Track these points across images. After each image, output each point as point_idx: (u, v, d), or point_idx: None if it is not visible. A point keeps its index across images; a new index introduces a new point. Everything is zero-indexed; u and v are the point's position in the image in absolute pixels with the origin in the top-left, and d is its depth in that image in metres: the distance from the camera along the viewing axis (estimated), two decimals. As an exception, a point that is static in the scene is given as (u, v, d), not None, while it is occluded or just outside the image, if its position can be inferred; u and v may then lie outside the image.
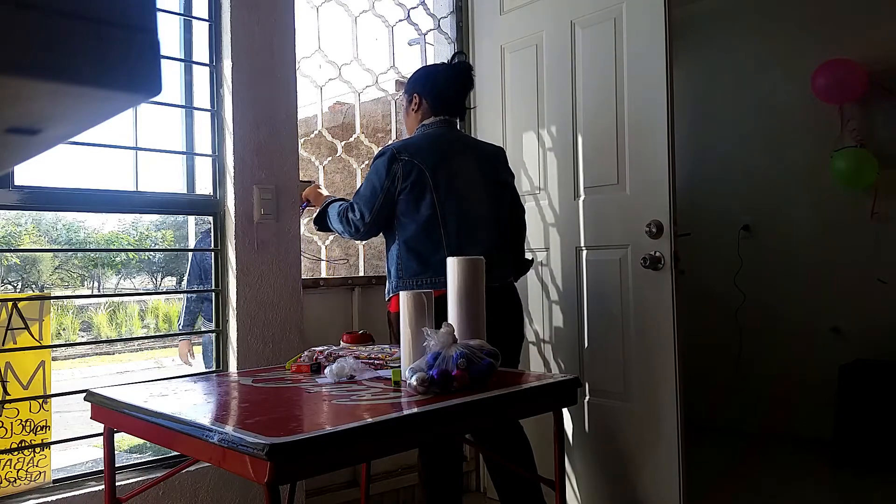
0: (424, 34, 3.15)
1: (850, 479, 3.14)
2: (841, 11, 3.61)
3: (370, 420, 1.25)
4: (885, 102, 3.51)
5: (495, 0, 2.90)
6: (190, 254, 3.20)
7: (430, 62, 3.23)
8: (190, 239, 3.50)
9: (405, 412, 1.33)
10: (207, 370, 2.62)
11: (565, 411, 2.53)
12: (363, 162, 3.01)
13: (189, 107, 2.33)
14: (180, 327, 3.35)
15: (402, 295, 1.65)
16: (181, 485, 2.08)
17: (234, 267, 2.29)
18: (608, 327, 2.51)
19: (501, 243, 2.22)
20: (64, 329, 8.65)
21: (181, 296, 3.80)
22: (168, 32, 2.31)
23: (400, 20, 3.02)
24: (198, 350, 3.40)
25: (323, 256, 2.90)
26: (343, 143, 2.96)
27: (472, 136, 3.01)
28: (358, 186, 2.29)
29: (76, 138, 1.53)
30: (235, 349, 2.28)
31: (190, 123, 2.32)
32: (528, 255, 2.48)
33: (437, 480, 2.17)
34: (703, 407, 3.75)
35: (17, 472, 1.92)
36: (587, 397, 2.57)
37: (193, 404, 1.51)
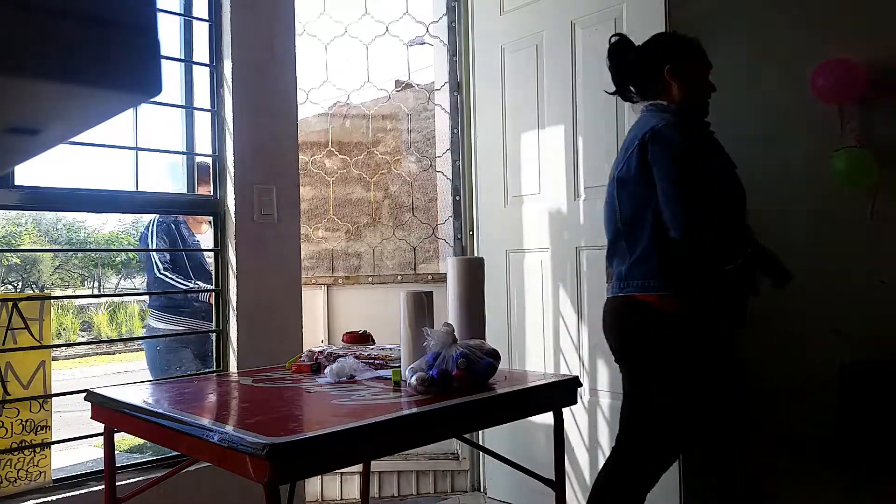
0: (409, 44, 3.20)
1: (850, 480, 3.14)
2: (841, 11, 3.61)
3: (370, 420, 1.25)
4: (885, 102, 3.51)
5: (495, 0, 2.90)
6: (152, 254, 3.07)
7: (430, 63, 3.25)
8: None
9: (405, 412, 1.33)
10: (208, 371, 2.61)
11: (565, 411, 2.53)
12: (334, 174, 3.11)
13: (189, 107, 2.32)
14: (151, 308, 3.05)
15: (402, 295, 1.65)
16: (181, 485, 2.08)
17: (234, 267, 2.29)
18: (608, 327, 2.50)
19: (618, 248, 1.99)
20: (64, 329, 8.65)
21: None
22: (168, 32, 2.31)
23: (378, 36, 3.06)
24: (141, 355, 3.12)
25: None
26: (312, 158, 3.06)
27: (473, 136, 3.01)
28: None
29: (76, 138, 1.53)
30: (235, 349, 2.28)
31: (190, 123, 2.32)
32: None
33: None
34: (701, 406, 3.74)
35: (17, 472, 1.92)
36: (587, 397, 2.57)
37: (193, 404, 1.51)
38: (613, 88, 2.20)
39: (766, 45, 3.88)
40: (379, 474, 2.97)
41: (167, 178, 2.61)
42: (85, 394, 1.62)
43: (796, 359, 3.73)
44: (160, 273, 2.94)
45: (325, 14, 3.20)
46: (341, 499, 2.93)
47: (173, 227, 2.91)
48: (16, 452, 1.91)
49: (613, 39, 2.10)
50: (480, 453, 2.93)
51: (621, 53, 2.09)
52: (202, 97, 2.34)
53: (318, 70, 3.12)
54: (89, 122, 0.43)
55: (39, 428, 1.96)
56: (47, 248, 11.18)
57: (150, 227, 2.91)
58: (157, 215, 2.81)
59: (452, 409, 1.37)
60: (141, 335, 9.50)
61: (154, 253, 2.91)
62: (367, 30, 3.10)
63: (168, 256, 2.94)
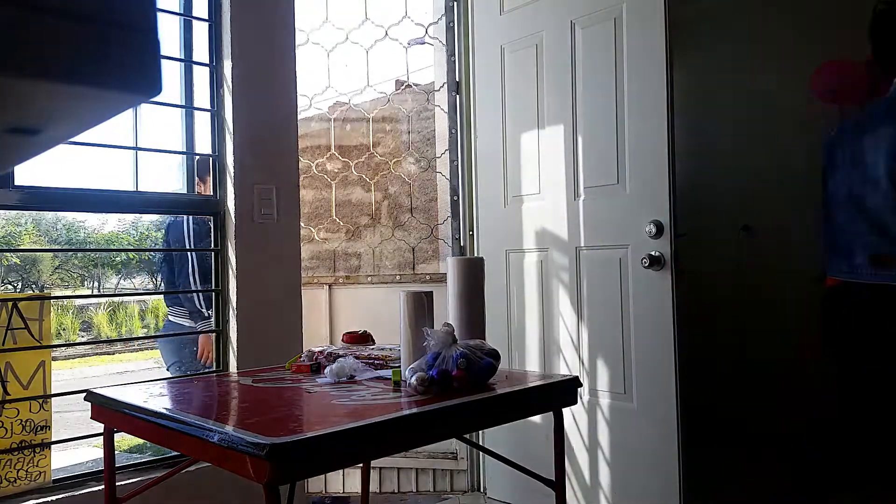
0: (408, 44, 3.22)
1: (850, 481, 3.14)
2: (841, 11, 3.61)
3: (370, 420, 1.25)
4: (884, 102, 3.51)
5: (495, 0, 2.90)
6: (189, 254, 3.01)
7: (430, 63, 3.26)
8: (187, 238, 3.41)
9: (405, 412, 1.33)
10: (210, 371, 2.61)
11: (565, 411, 2.53)
12: (336, 177, 3.14)
13: (189, 107, 2.33)
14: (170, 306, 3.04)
15: (402, 295, 1.65)
16: (181, 485, 2.08)
17: (234, 267, 2.29)
18: (608, 327, 2.51)
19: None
20: (64, 329, 8.65)
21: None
22: (168, 32, 2.31)
23: (378, 40, 3.09)
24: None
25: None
26: (315, 162, 3.08)
27: (473, 136, 3.01)
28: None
29: (76, 138, 1.53)
30: (235, 349, 2.28)
31: (190, 123, 2.32)
32: None
33: None
34: (702, 407, 3.75)
35: (17, 472, 1.92)
36: (587, 397, 2.57)
37: (193, 404, 1.51)
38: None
39: (767, 45, 3.88)
40: (380, 470, 3.00)
41: (167, 177, 2.61)
42: (85, 394, 1.62)
43: (796, 359, 3.73)
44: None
45: (328, 22, 3.24)
46: (344, 492, 2.97)
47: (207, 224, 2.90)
48: (16, 452, 1.91)
49: (880, 8, 2.03)
50: (480, 453, 2.94)
51: (887, 23, 2.03)
52: (202, 97, 2.34)
53: (321, 76, 3.18)
54: (89, 122, 0.43)
55: (39, 428, 1.96)
56: (47, 248, 11.19)
57: (186, 226, 2.88)
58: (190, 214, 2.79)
59: (452, 409, 1.37)
60: (141, 335, 9.50)
61: (192, 253, 2.90)
62: (368, 34, 3.15)
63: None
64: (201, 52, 2.34)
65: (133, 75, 0.36)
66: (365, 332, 2.10)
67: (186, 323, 2.97)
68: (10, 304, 1.93)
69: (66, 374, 7.11)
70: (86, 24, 0.34)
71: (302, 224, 2.65)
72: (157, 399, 1.52)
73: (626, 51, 2.44)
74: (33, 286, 8.71)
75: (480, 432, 2.84)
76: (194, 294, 2.90)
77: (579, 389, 1.71)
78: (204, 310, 2.90)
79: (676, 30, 2.41)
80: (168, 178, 2.59)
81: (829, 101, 3.57)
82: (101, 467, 1.73)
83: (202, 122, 2.34)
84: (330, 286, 3.13)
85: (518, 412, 1.71)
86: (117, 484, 1.66)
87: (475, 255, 2.95)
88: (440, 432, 1.46)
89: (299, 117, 2.76)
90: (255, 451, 1.10)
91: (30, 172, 1.95)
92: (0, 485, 1.88)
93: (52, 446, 2.00)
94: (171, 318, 3.02)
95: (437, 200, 3.37)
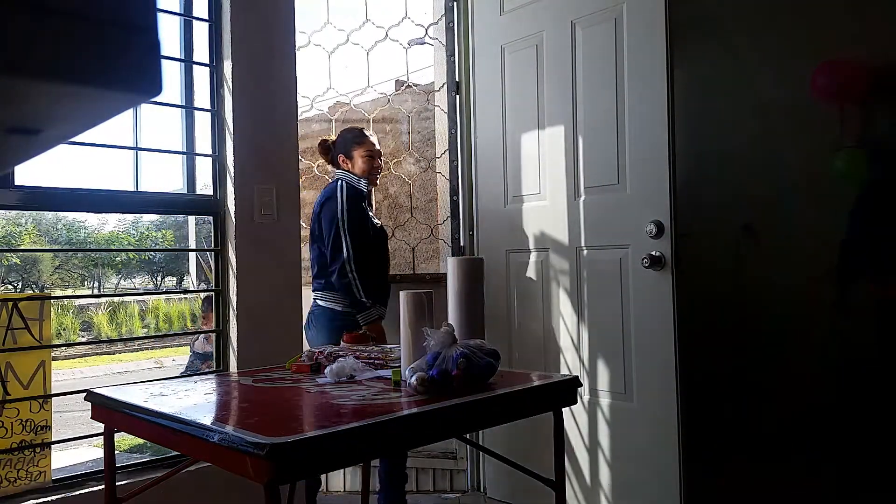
0: (409, 44, 3.23)
1: (850, 481, 3.14)
2: (841, 11, 3.61)
3: (370, 420, 1.25)
4: (885, 102, 3.51)
5: (495, 0, 2.90)
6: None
7: (430, 62, 3.26)
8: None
9: (405, 412, 1.33)
10: (209, 370, 2.61)
11: (565, 411, 2.53)
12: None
13: (189, 107, 2.33)
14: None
15: (402, 295, 1.65)
16: (181, 485, 2.07)
17: (234, 267, 2.29)
18: (608, 327, 2.51)
19: None
20: (64, 329, 8.65)
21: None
22: (168, 32, 2.32)
23: (378, 41, 3.10)
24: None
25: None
26: (316, 163, 3.11)
27: (473, 136, 3.01)
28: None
29: (76, 138, 1.53)
30: (235, 349, 2.28)
31: (190, 123, 2.32)
32: None
33: None
34: (703, 407, 3.74)
35: (17, 472, 1.92)
36: (587, 397, 2.57)
37: (193, 404, 1.51)
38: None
39: (767, 45, 3.88)
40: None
41: (167, 177, 2.61)
42: (85, 394, 1.62)
43: (796, 359, 3.73)
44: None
45: (329, 24, 3.25)
46: (345, 490, 2.97)
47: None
48: (16, 452, 1.91)
49: None
50: (480, 453, 2.94)
51: None
52: (202, 97, 2.34)
53: (322, 78, 3.19)
54: (89, 122, 0.43)
55: (39, 428, 1.96)
56: (47, 248, 11.19)
57: (340, 201, 2.58)
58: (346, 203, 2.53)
59: (452, 409, 1.37)
60: (141, 335, 9.50)
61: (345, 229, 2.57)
62: (368, 36, 3.16)
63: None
64: (201, 52, 2.34)
65: (133, 75, 0.36)
66: (365, 332, 2.10)
67: (338, 307, 2.62)
68: (10, 304, 1.93)
69: (66, 374, 7.12)
70: (86, 24, 0.34)
71: (302, 224, 2.64)
72: (157, 399, 1.52)
73: (626, 51, 2.44)
74: (33, 286, 8.71)
75: (480, 432, 2.84)
76: (351, 281, 2.54)
77: (579, 389, 1.71)
78: (366, 300, 2.61)
79: (676, 30, 2.41)
80: (168, 177, 2.60)
81: (829, 101, 3.57)
82: (101, 467, 1.73)
83: (202, 122, 2.34)
84: None
85: (518, 412, 1.71)
86: (117, 484, 1.66)
87: (475, 255, 2.95)
88: (440, 432, 1.46)
89: (300, 118, 2.76)
90: (255, 451, 1.10)
91: (30, 172, 1.95)
92: (0, 485, 1.88)
93: (52, 446, 2.00)
94: (319, 302, 2.66)
95: (437, 200, 3.37)
